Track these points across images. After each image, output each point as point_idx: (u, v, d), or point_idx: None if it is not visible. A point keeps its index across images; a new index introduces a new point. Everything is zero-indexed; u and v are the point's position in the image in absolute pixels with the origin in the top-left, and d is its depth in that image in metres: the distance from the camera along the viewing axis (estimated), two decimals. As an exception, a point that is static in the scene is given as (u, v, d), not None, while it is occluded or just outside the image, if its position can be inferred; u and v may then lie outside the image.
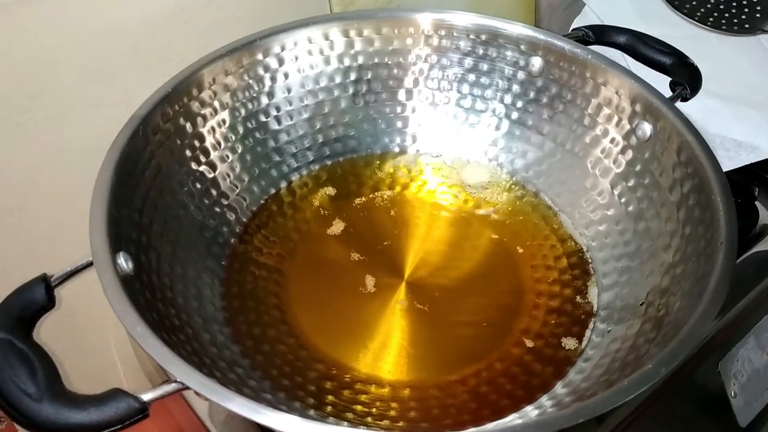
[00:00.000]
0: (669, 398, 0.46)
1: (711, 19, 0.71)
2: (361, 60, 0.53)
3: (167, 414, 0.51)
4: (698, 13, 0.72)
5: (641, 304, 0.42)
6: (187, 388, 0.30)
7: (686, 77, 0.49)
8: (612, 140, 0.49)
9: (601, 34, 0.53)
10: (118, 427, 0.29)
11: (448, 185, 0.53)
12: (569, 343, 0.43)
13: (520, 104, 0.53)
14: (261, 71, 0.50)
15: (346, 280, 0.46)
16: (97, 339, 0.64)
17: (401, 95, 0.55)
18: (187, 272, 0.43)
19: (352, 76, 0.54)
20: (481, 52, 0.53)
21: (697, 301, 0.35)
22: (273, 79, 0.51)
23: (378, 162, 0.54)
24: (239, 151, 0.50)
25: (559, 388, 0.41)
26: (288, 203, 0.51)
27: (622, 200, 0.48)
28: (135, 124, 0.41)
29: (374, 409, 0.40)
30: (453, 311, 0.45)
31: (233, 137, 0.49)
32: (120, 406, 0.29)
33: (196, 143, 0.47)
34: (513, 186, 0.53)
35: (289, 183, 0.52)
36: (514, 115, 0.54)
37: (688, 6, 0.72)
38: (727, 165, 0.55)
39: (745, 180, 0.58)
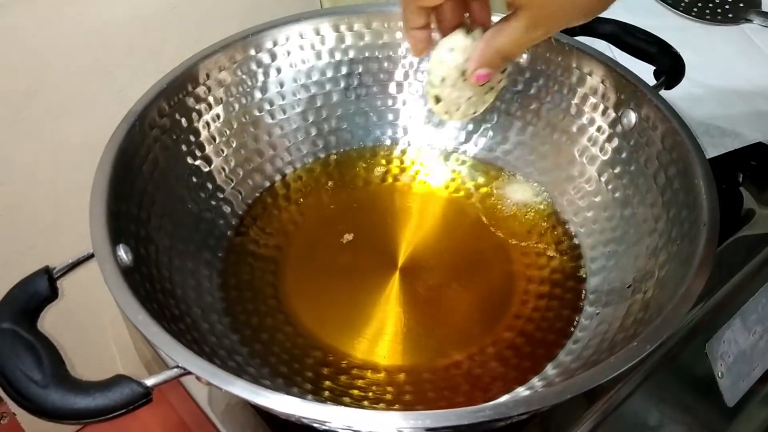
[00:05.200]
0: (657, 379, 0.47)
1: (695, 10, 0.72)
2: (352, 54, 0.54)
3: (167, 404, 0.52)
4: (683, 4, 0.73)
5: (628, 287, 0.44)
6: (189, 373, 0.31)
7: (669, 66, 0.50)
8: (598, 128, 0.50)
9: (586, 25, 0.54)
10: (123, 411, 0.30)
11: (439, 175, 0.54)
12: (559, 326, 0.44)
13: (507, 95, 0.54)
14: (254, 66, 0.51)
15: (341, 269, 0.47)
16: (96, 334, 0.65)
17: (392, 88, 0.56)
18: (186, 264, 0.44)
19: (344, 70, 0.55)
20: (469, 44, 0.54)
21: (681, 281, 0.36)
22: (266, 74, 0.52)
23: (370, 154, 0.55)
24: (234, 145, 0.51)
25: (550, 370, 0.42)
26: (282, 196, 0.52)
27: (609, 187, 0.49)
28: (131, 119, 0.42)
29: (370, 393, 0.41)
30: (446, 297, 0.46)
31: (228, 132, 0.50)
32: (124, 391, 0.30)
33: (192, 138, 0.48)
34: (503, 175, 0.54)
35: (283, 176, 0.53)
36: (502, 106, 0.55)
37: (672, -4, 0.73)
38: (712, 151, 0.56)
39: (729, 166, 0.59)
